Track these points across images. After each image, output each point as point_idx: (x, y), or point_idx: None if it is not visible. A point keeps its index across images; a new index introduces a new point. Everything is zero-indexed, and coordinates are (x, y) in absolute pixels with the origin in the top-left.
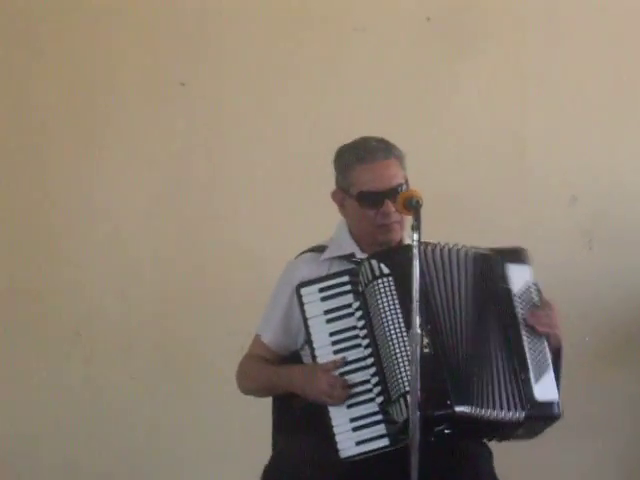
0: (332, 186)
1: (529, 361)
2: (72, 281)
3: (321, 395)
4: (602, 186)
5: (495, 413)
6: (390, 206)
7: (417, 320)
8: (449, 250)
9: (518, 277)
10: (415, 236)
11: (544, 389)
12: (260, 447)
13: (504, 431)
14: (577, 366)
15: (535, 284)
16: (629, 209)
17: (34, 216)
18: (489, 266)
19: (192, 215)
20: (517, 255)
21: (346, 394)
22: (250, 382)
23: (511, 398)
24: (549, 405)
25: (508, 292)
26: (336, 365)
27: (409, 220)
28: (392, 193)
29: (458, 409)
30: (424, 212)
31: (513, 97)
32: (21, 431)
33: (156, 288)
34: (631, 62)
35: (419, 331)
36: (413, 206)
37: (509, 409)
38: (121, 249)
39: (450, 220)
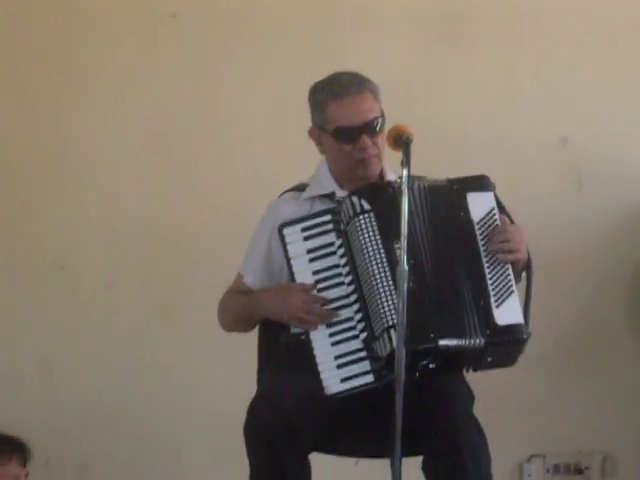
0: None
1: (489, 287)
2: (57, 215)
3: (297, 314)
4: (592, 127)
5: (461, 342)
6: (367, 140)
7: (404, 256)
8: (419, 187)
9: (479, 204)
10: (404, 172)
11: (506, 313)
12: (246, 383)
13: (473, 360)
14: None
15: (498, 208)
16: (618, 151)
17: (20, 152)
18: (447, 197)
19: (181, 151)
20: (478, 183)
21: (327, 313)
22: (228, 314)
23: (472, 326)
24: (512, 328)
25: (468, 221)
26: (312, 287)
27: (387, 153)
28: (368, 127)
29: (442, 342)
30: (415, 150)
31: (504, 40)
32: (4, 367)
33: (141, 222)
34: (621, 3)
35: (406, 267)
36: (403, 142)
37: (471, 337)
38: (107, 183)
39: (440, 159)
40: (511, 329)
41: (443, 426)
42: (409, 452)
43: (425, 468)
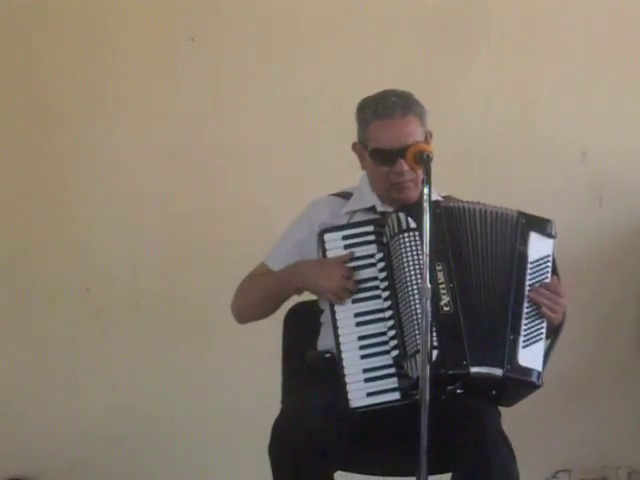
0: (339, 139)
1: (523, 326)
2: (81, 239)
3: (333, 286)
4: (612, 142)
5: (488, 370)
6: (403, 165)
7: (427, 274)
8: (481, 210)
9: (538, 247)
10: (425, 190)
11: (530, 357)
12: (270, 401)
13: (479, 386)
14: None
15: (553, 258)
16: (639, 165)
17: (42, 173)
18: (513, 228)
19: (201, 171)
20: (543, 225)
21: (355, 288)
22: (250, 294)
23: (497, 355)
24: (529, 371)
25: (524, 257)
26: (349, 257)
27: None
28: (400, 153)
29: (474, 370)
30: (439, 169)
31: (522, 55)
32: (30, 386)
33: (165, 245)
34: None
35: (429, 285)
36: (423, 160)
37: (493, 365)
38: (130, 207)
39: (462, 177)
40: (529, 372)
41: (473, 443)
42: (436, 469)
43: None
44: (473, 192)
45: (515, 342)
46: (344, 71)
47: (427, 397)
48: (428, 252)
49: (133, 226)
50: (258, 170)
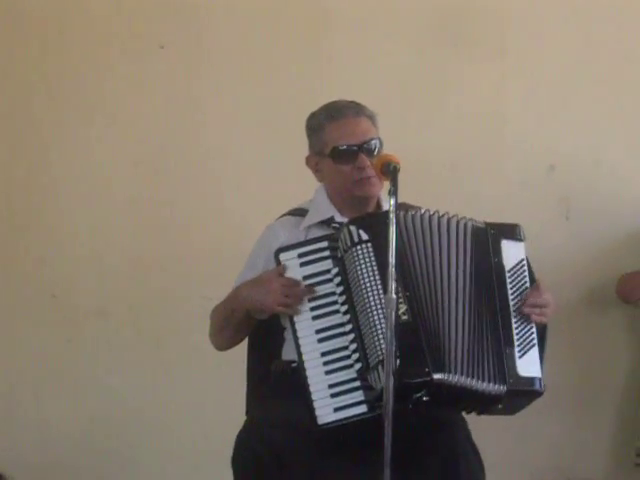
0: None
1: (515, 336)
2: (49, 245)
3: (278, 298)
4: (579, 155)
5: (477, 384)
6: (364, 159)
7: (392, 285)
8: (439, 218)
9: (512, 253)
10: (392, 201)
11: (528, 365)
12: (235, 412)
13: (485, 403)
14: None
15: (527, 261)
16: (606, 179)
17: (11, 177)
18: (484, 239)
19: (172, 179)
20: (512, 231)
21: (306, 290)
22: (214, 321)
23: (494, 371)
24: (532, 380)
25: (501, 267)
26: (281, 270)
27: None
28: (366, 147)
29: (436, 376)
30: (406, 178)
31: (492, 69)
32: None
33: (133, 251)
34: (610, 31)
35: (394, 296)
36: (390, 171)
37: (491, 381)
38: (99, 212)
39: (430, 187)
40: (532, 382)
41: (444, 453)
42: None
43: None
44: (441, 202)
45: (512, 354)
46: (319, 79)
47: (390, 408)
48: (393, 262)
49: (100, 232)
50: (229, 176)
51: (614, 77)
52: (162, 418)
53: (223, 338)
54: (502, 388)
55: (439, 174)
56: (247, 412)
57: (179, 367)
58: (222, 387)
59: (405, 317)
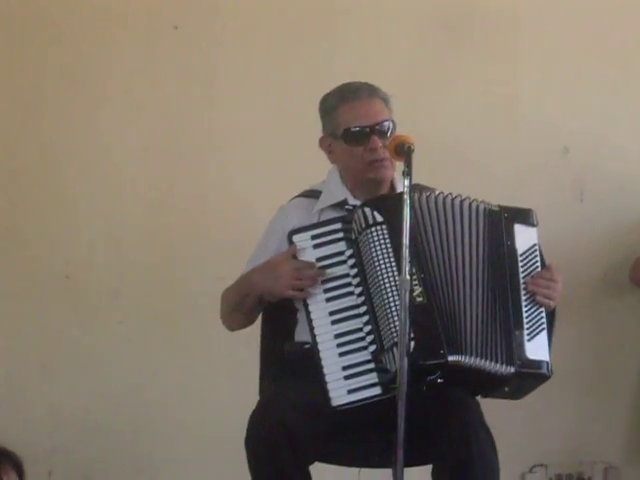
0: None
1: (524, 320)
2: (62, 224)
3: (289, 282)
4: (594, 138)
5: (487, 364)
6: (377, 141)
7: (407, 266)
8: (453, 200)
9: (524, 238)
10: (406, 182)
11: (536, 348)
12: (249, 392)
13: (492, 385)
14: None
15: (539, 246)
16: (620, 161)
17: (25, 159)
18: (497, 222)
19: (184, 161)
20: (525, 216)
21: (318, 272)
22: (225, 304)
23: (504, 352)
24: (539, 363)
25: (513, 250)
26: (293, 251)
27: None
28: (378, 128)
29: (451, 358)
30: (420, 159)
31: (505, 52)
32: (7, 374)
33: (145, 233)
34: (623, 16)
35: (408, 277)
36: (405, 152)
37: (500, 362)
38: (112, 194)
39: (443, 169)
40: (539, 364)
41: (456, 434)
42: (416, 461)
43: (435, 476)
44: (455, 184)
45: (521, 336)
46: (329, 62)
47: (404, 389)
48: (407, 243)
49: (115, 214)
50: (239, 162)
51: (628, 61)
52: (178, 399)
53: (235, 320)
54: (510, 369)
55: (452, 157)
56: (260, 392)
57: (193, 347)
58: (235, 367)
59: (420, 299)
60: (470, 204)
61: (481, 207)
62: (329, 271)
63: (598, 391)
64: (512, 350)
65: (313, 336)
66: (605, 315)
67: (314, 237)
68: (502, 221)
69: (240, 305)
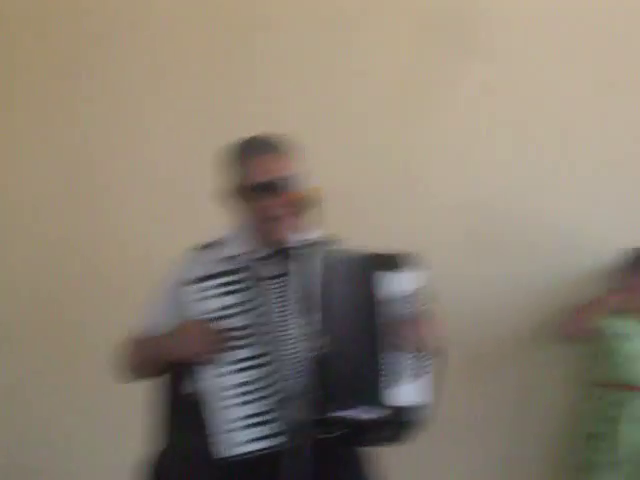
0: None
1: (390, 365)
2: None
3: (197, 347)
4: (488, 193)
5: (362, 414)
6: (273, 199)
7: (303, 319)
8: (336, 253)
9: (394, 284)
10: (313, 235)
11: (403, 395)
12: (135, 440)
13: (369, 432)
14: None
15: (412, 294)
16: (516, 215)
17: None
18: (363, 270)
19: (84, 209)
20: (397, 262)
21: (223, 338)
22: (127, 360)
23: (366, 400)
24: (410, 409)
25: (374, 298)
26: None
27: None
28: (278, 184)
29: (337, 414)
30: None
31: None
32: None
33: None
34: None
35: (303, 330)
36: (304, 206)
37: (372, 409)
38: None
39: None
40: (403, 410)
41: None
42: None
43: None
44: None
45: (388, 381)
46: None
47: (299, 442)
48: (306, 296)
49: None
50: (141, 211)
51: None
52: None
53: (134, 376)
54: (375, 415)
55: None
56: (153, 442)
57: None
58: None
59: (316, 352)
60: (348, 256)
61: (355, 258)
62: (229, 321)
63: (518, 444)
64: (377, 395)
65: (205, 386)
66: (529, 369)
67: (214, 287)
68: (367, 267)
69: (144, 365)
